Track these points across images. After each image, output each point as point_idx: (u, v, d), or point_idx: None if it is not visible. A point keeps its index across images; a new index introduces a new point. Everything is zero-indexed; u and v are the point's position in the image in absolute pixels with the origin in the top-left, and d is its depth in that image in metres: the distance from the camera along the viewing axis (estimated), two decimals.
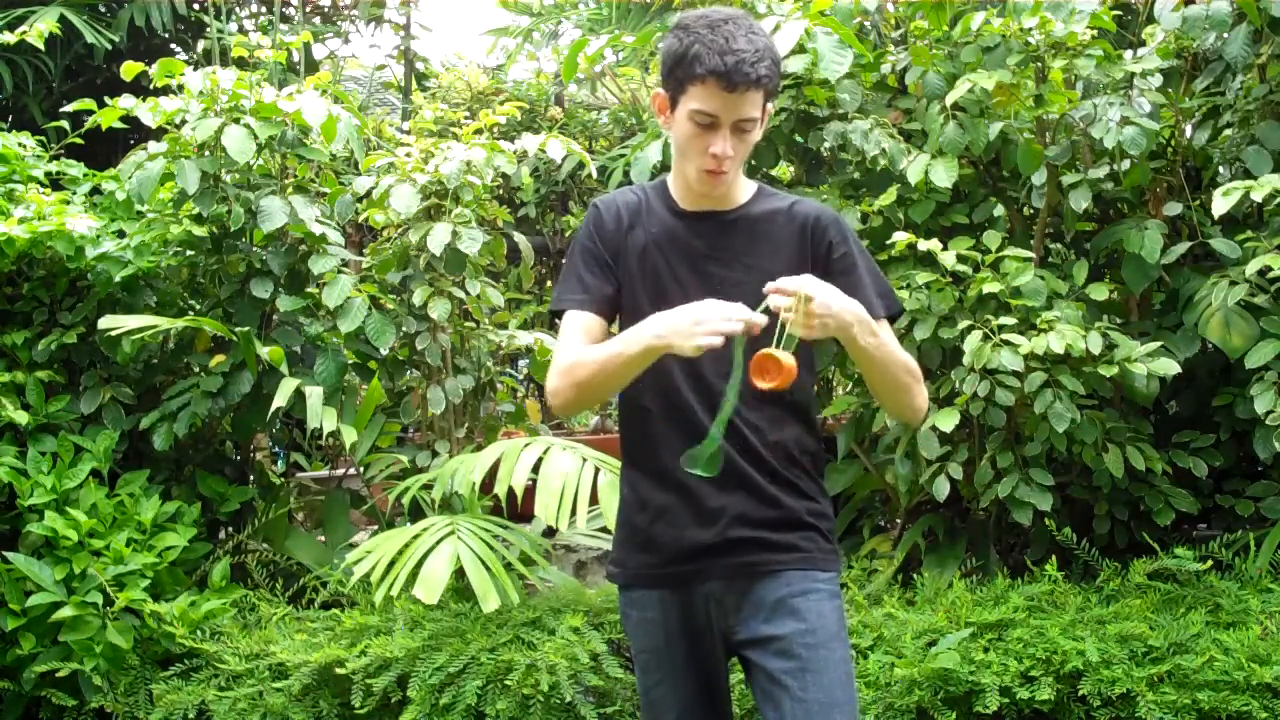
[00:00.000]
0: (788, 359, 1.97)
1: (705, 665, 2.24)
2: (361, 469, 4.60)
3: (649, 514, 2.22)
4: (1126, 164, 4.05)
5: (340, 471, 5.27)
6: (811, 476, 2.23)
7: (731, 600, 2.18)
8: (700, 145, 2.11)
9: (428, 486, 4.14)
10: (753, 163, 4.24)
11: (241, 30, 7.24)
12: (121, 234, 4.42)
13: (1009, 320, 3.79)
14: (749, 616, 2.17)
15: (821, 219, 2.22)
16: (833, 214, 2.25)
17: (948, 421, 3.78)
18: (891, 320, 2.24)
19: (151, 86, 4.38)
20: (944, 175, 3.91)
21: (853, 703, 2.12)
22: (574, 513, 3.68)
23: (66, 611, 3.84)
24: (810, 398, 2.28)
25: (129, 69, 4.34)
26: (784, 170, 4.81)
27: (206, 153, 4.29)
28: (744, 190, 2.26)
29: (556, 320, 2.24)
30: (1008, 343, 3.71)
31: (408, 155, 4.39)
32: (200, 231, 4.36)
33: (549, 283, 7.66)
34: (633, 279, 2.22)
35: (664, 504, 2.20)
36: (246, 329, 4.21)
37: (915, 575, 4.00)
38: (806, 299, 1.95)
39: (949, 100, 3.95)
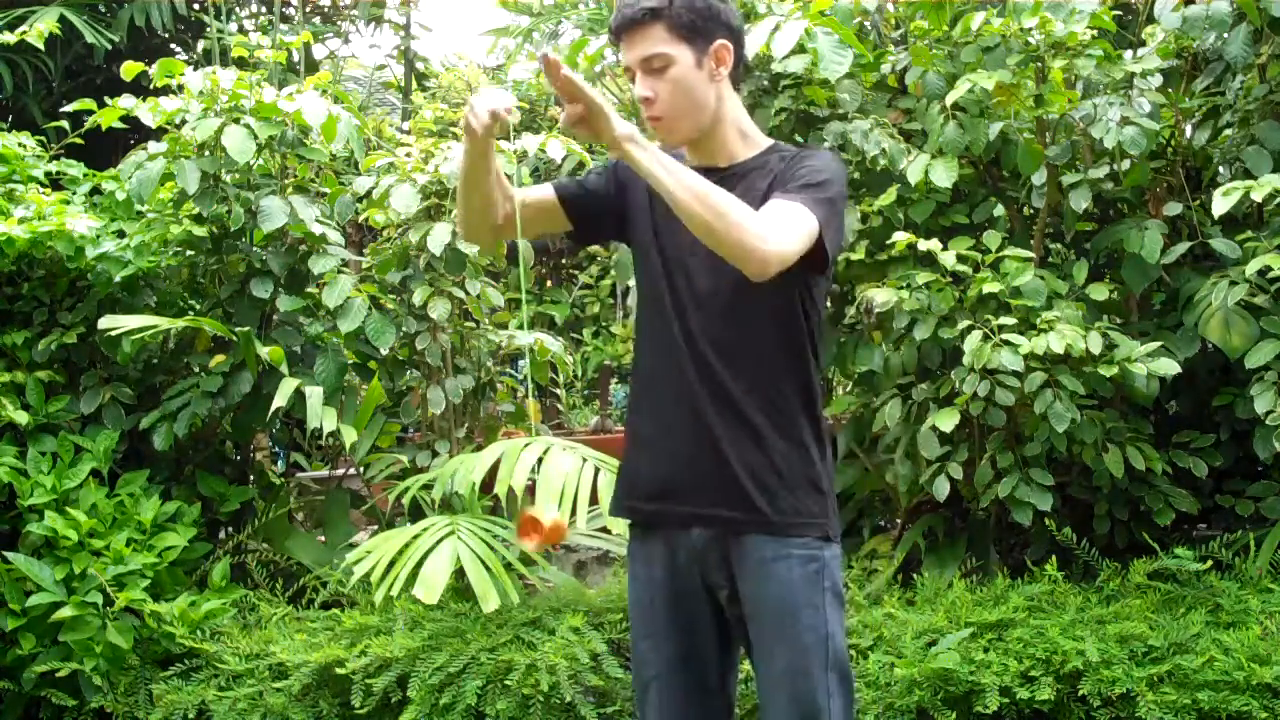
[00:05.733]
0: (550, 518, 2.05)
1: (688, 630, 2.25)
2: (361, 469, 4.60)
3: (634, 450, 2.30)
4: (1126, 164, 4.05)
5: (340, 471, 5.26)
6: (796, 436, 2.19)
7: (713, 559, 2.21)
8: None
9: (428, 486, 4.14)
10: None
11: (241, 30, 7.24)
12: (121, 234, 4.42)
13: (1009, 320, 3.79)
14: (731, 578, 2.20)
15: (803, 150, 2.23)
16: (816, 150, 2.24)
17: (948, 421, 3.78)
18: (826, 258, 2.14)
19: (151, 86, 4.37)
20: (944, 175, 3.91)
21: (821, 669, 2.12)
22: (574, 513, 3.69)
23: (66, 611, 3.84)
24: (801, 356, 2.23)
25: (129, 69, 4.33)
26: None
27: (206, 153, 4.28)
28: (747, 148, 2.26)
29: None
30: (1008, 343, 3.71)
31: (408, 155, 4.39)
32: (200, 231, 4.36)
33: (549, 283, 7.66)
34: (641, 215, 2.30)
35: (648, 436, 2.26)
36: (246, 329, 4.21)
37: (915, 575, 4.00)
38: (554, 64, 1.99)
39: (949, 100, 3.95)
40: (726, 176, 2.22)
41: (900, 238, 3.91)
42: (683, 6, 2.14)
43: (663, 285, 2.23)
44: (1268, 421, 3.66)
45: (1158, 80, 3.99)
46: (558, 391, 6.77)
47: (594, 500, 3.75)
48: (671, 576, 2.24)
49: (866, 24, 4.55)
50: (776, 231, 2.03)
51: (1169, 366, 3.72)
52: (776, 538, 2.16)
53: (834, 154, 2.25)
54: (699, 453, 2.18)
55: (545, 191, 2.33)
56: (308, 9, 7.92)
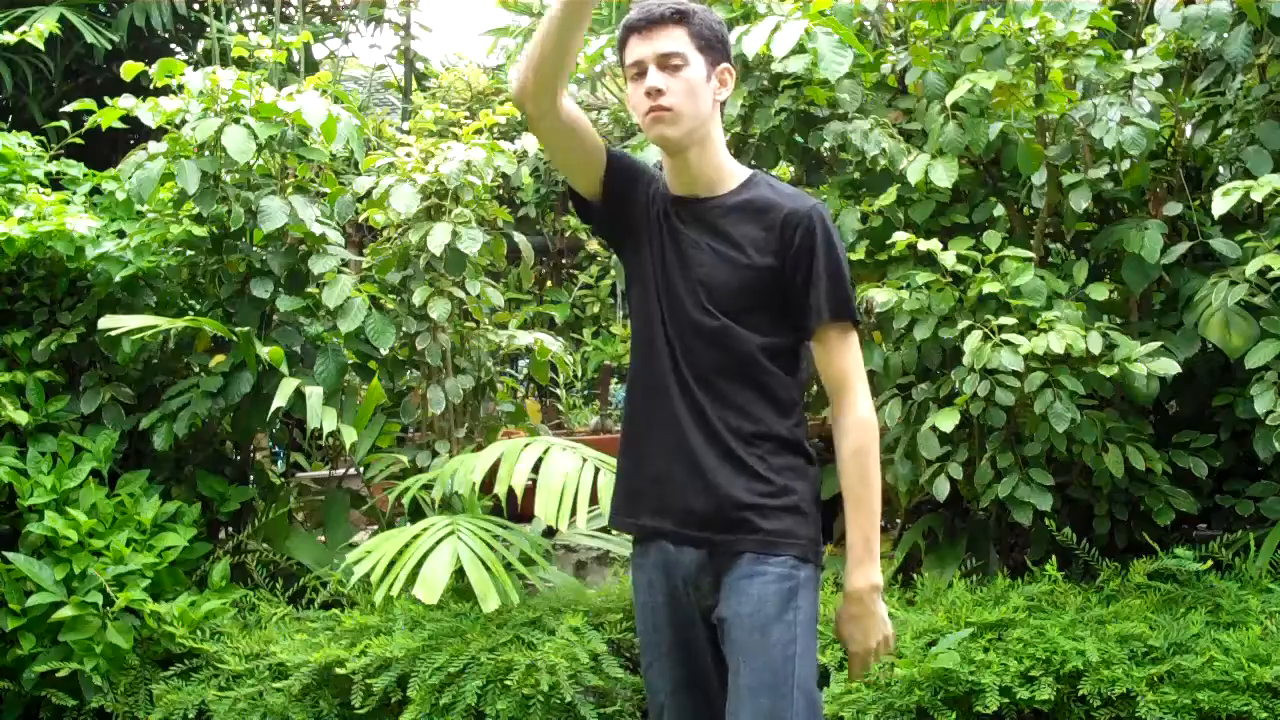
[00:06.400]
0: None
1: (690, 653, 2.30)
2: (361, 469, 4.60)
3: (625, 464, 2.36)
4: (1126, 164, 4.05)
5: (340, 471, 5.26)
6: (777, 462, 2.24)
7: (706, 583, 2.25)
8: (639, 93, 2.23)
9: (428, 486, 4.14)
10: (753, 162, 4.25)
11: (241, 30, 7.24)
12: (121, 234, 4.42)
13: (1009, 320, 3.79)
14: (718, 599, 2.24)
15: (797, 213, 2.24)
16: (812, 210, 2.25)
17: (948, 421, 3.78)
18: (856, 326, 2.31)
19: (151, 86, 4.38)
20: (944, 175, 3.91)
21: (787, 687, 2.14)
22: (574, 513, 3.69)
23: (66, 611, 3.84)
24: (783, 384, 2.28)
25: (129, 69, 4.33)
26: (784, 170, 4.81)
27: (206, 153, 4.28)
28: (730, 179, 2.31)
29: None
30: (1008, 343, 3.71)
31: (408, 155, 4.39)
32: (200, 231, 4.36)
33: (549, 283, 7.66)
34: (641, 225, 2.33)
35: (637, 454, 2.32)
36: (246, 329, 4.21)
37: (915, 575, 4.00)
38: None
39: (949, 100, 3.95)
40: (708, 207, 2.28)
41: (900, 238, 3.91)
42: (704, 22, 2.24)
43: (655, 307, 2.28)
44: (1268, 421, 3.66)
45: (1158, 80, 3.99)
46: (558, 391, 6.76)
47: (594, 500, 3.75)
48: (671, 602, 2.29)
49: (866, 24, 4.55)
50: (866, 404, 2.30)
51: (1169, 366, 3.72)
52: (755, 555, 2.20)
53: (825, 210, 2.29)
54: (683, 475, 2.23)
55: (596, 135, 2.28)
56: (308, 9, 7.92)
